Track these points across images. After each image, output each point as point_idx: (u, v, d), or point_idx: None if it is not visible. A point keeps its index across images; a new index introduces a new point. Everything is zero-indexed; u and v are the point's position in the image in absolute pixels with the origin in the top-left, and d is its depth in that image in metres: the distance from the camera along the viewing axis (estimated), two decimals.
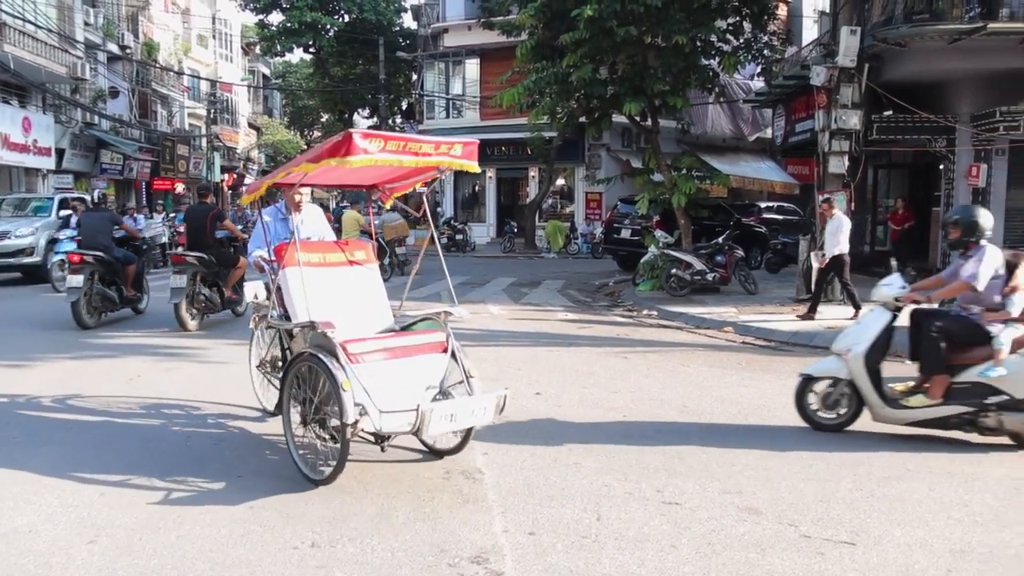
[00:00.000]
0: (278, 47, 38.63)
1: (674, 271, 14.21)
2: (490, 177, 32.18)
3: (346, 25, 37.73)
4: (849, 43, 13.02)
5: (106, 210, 11.92)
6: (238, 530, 4.13)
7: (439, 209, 32.69)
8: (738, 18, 16.28)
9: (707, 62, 16.28)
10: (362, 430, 4.64)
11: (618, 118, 17.68)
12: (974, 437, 5.93)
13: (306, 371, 4.86)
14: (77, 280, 10.14)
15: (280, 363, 5.94)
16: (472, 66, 32.02)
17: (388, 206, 6.45)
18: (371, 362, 4.78)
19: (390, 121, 40.83)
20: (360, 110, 45.00)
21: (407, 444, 5.37)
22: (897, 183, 19.25)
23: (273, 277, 5.49)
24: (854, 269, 16.44)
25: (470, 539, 4.07)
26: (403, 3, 39.80)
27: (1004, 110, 13.72)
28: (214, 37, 45.67)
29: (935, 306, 6.27)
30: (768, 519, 4.39)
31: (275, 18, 38.20)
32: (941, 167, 15.73)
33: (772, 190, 27.32)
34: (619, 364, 8.71)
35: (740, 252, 15.01)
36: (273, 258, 5.51)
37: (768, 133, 25.42)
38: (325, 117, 56.82)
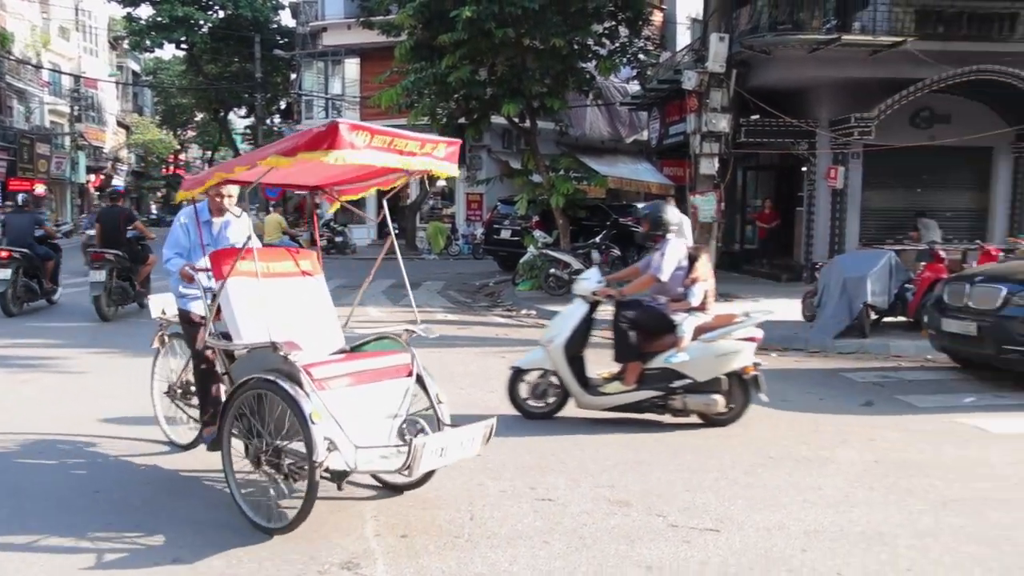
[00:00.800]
0: (148, 42, 36.92)
1: (552, 271, 14.39)
2: None
3: (221, 21, 36.41)
4: (718, 49, 13.52)
5: (29, 212, 12.95)
6: None
7: (318, 211, 32.06)
8: (614, 22, 16.66)
9: (584, 65, 16.57)
10: (327, 469, 3.96)
11: (498, 119, 17.78)
12: (827, 427, 6.26)
13: (255, 400, 4.21)
14: (5, 273, 11.42)
15: (194, 388, 5.32)
16: (352, 66, 31.55)
17: (332, 211, 6.11)
18: (337, 388, 4.22)
19: (268, 121, 39.80)
20: (236, 109, 43.65)
21: None
22: (765, 184, 20.13)
23: (207, 290, 4.81)
24: (724, 267, 17.18)
25: (341, 544, 4.00)
26: (281, 0, 38.84)
27: (858, 116, 14.52)
28: (78, 30, 43.35)
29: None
30: (638, 511, 4.49)
31: (145, 12, 36.52)
32: (804, 169, 16.53)
33: (649, 191, 27.99)
34: (497, 364, 8.74)
35: (617, 251, 15.37)
36: (208, 266, 4.80)
37: (644, 135, 26.10)
38: (200, 116, 54.88)
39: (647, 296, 6.38)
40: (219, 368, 4.86)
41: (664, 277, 6.21)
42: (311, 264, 5.12)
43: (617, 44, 16.83)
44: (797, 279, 15.77)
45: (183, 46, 37.96)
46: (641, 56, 17.67)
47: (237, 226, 5.36)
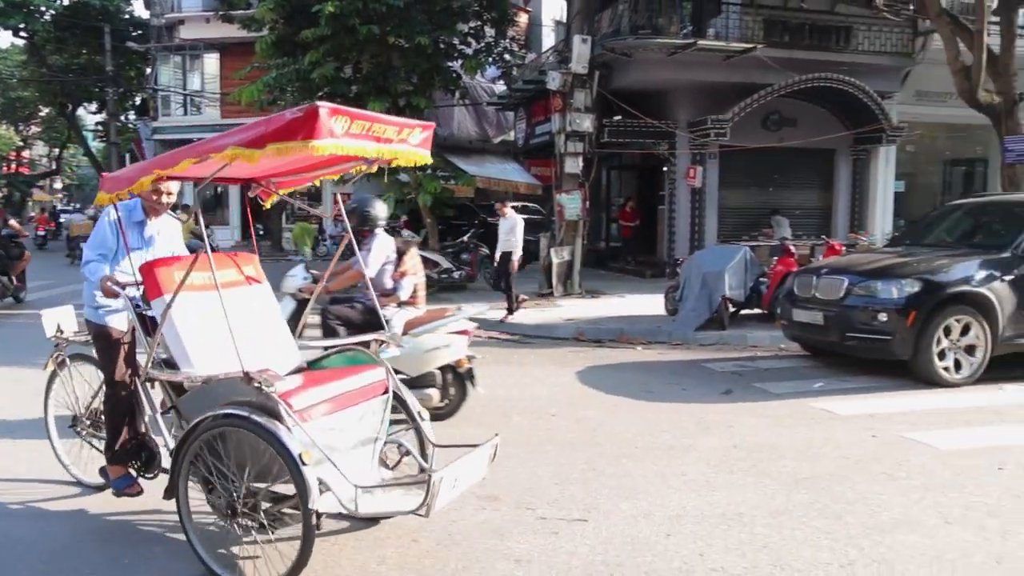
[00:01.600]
0: None
1: None
2: None
3: (65, 8, 34.12)
4: (581, 51, 13.81)
5: None
6: None
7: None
8: (479, 22, 16.75)
9: (450, 64, 16.57)
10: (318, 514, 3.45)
11: None
12: (689, 416, 6.49)
13: (218, 439, 3.59)
14: None
15: (103, 418, 4.54)
16: (211, 61, 30.39)
17: (268, 205, 4.85)
18: (318, 418, 3.68)
19: (122, 118, 37.71)
20: (86, 104, 41.08)
21: None
22: (628, 183, 20.73)
23: (134, 302, 4.13)
24: (590, 265, 17.57)
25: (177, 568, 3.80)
26: None
27: (714, 118, 15.18)
28: None
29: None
30: (507, 505, 4.51)
31: None
32: (665, 169, 17.11)
33: (517, 190, 28.24)
34: None
35: (486, 250, 15.44)
36: (140, 279, 4.01)
37: (511, 136, 26.35)
38: (45, 111, 51.38)
39: (359, 292, 6.27)
40: (153, 400, 4.15)
41: (370, 272, 6.02)
42: (255, 269, 4.48)
43: (483, 44, 16.94)
44: (661, 275, 16.31)
45: (22, 34, 35.33)
46: (507, 56, 17.85)
47: (171, 230, 4.67)
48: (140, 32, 35.94)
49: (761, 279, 10.52)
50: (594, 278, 16.13)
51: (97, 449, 4.71)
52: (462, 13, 15.62)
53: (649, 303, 12.33)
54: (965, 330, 7.62)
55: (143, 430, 4.39)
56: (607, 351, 9.61)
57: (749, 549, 3.96)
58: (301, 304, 6.23)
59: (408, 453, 4.17)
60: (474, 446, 3.87)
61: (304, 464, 3.33)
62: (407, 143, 3.81)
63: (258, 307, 4.37)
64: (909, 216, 17.38)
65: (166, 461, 3.98)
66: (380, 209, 6.39)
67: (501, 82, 22.64)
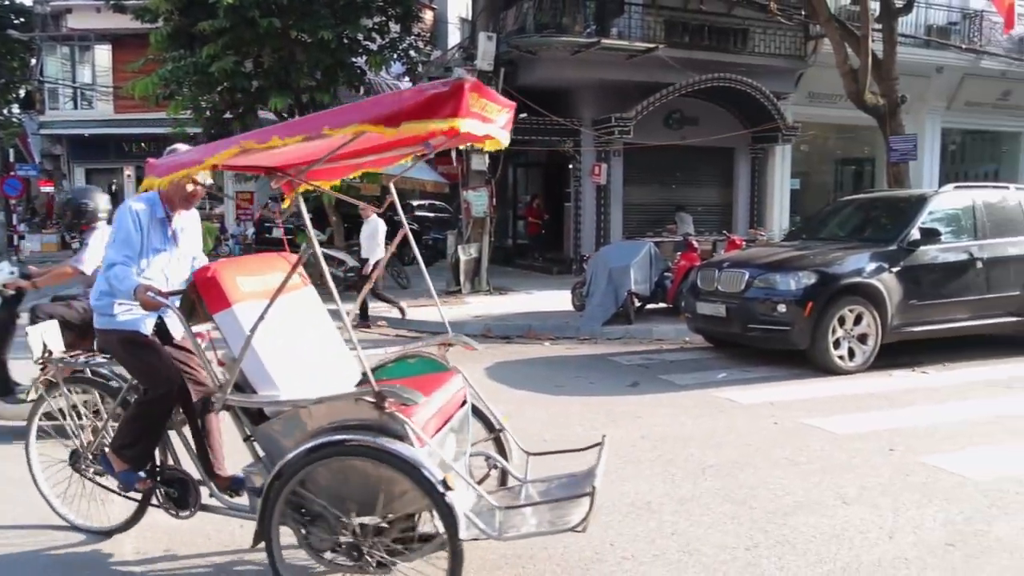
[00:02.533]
0: None
1: (328, 269, 14.04)
2: (128, 176, 29.41)
3: None
4: (486, 48, 13.83)
5: None
6: None
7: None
8: (384, 18, 16.53)
9: (355, 60, 16.31)
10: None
11: (269, 115, 17.11)
12: (598, 409, 6.55)
13: (333, 472, 3.16)
14: None
15: (121, 421, 3.87)
16: (103, 52, 29.02)
17: (288, 203, 3.99)
18: (430, 437, 3.24)
19: (5, 111, 35.74)
20: None
21: None
22: (535, 180, 20.89)
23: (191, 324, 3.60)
24: (498, 262, 17.62)
25: None
26: None
27: (618, 116, 15.45)
28: None
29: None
30: None
31: None
32: (571, 166, 17.30)
33: (424, 188, 28.08)
34: None
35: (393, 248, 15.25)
36: (179, 288, 3.63)
37: None
38: None
39: (81, 290, 5.81)
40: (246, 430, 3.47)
41: (86, 269, 5.49)
42: (300, 270, 3.75)
43: (387, 40, 16.72)
44: (568, 271, 16.47)
45: None
46: (412, 53, 17.69)
47: (194, 227, 4.07)
48: (23, 20, 34.08)
49: (666, 274, 10.76)
50: (502, 275, 16.18)
51: (104, 487, 4.05)
52: (366, 8, 15.39)
53: (556, 299, 12.44)
54: (858, 320, 7.96)
55: (170, 461, 3.88)
56: (515, 347, 9.64)
57: (658, 536, 4.03)
58: (7, 301, 5.83)
59: (496, 466, 3.87)
60: (575, 450, 3.80)
61: (449, 490, 2.99)
62: (495, 124, 3.32)
63: (311, 313, 3.91)
64: (804, 212, 18.06)
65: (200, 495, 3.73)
66: (100, 201, 5.78)
67: (407, 79, 22.46)
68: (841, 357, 7.91)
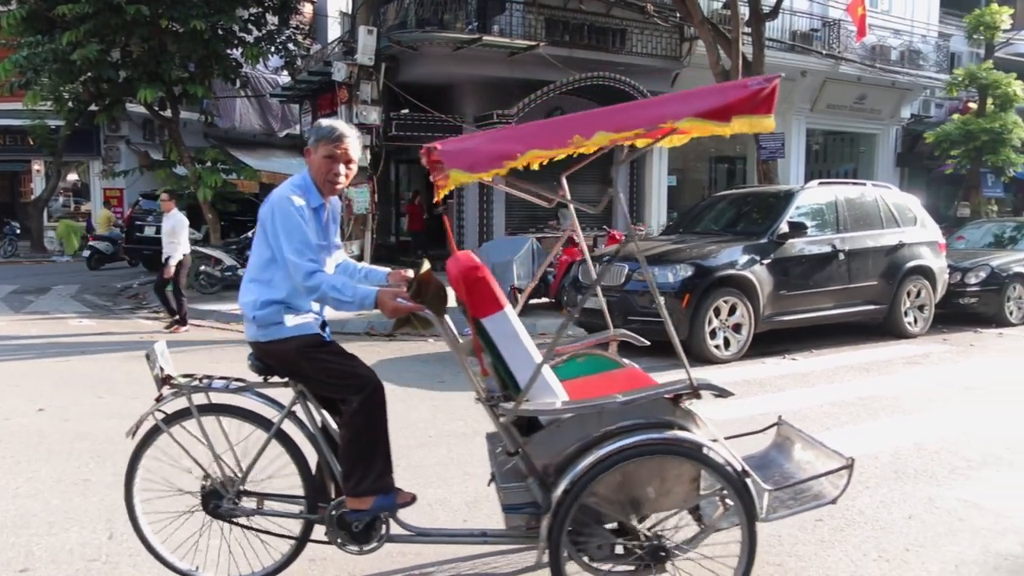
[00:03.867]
0: None
1: (203, 268, 13.54)
2: None
3: None
4: (367, 42, 13.63)
5: None
6: None
7: None
8: (260, 9, 16.06)
9: (230, 52, 15.77)
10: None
11: (138, 108, 16.34)
12: None
13: (621, 475, 2.97)
14: None
15: (344, 445, 3.23)
16: None
17: (441, 195, 3.24)
18: None
19: None
20: None
21: None
22: (418, 177, 20.70)
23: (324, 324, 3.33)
24: (381, 260, 17.40)
25: None
26: None
27: (500, 113, 15.51)
28: None
29: None
30: None
31: None
32: None
33: None
34: (140, 369, 7.96)
35: None
36: (431, 287, 3.08)
37: (298, 129, 25.58)
38: None
39: None
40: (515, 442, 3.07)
41: None
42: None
43: (264, 32, 16.25)
44: None
45: None
46: (290, 46, 17.24)
47: (337, 216, 3.56)
48: None
49: (548, 269, 10.87)
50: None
51: (255, 529, 3.37)
52: None
53: None
54: (732, 310, 8.26)
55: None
56: (399, 344, 9.54)
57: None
58: None
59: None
60: (754, 433, 3.73)
61: (748, 477, 2.98)
62: None
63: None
64: (681, 208, 18.62)
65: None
66: None
67: (285, 73, 21.90)
68: (717, 346, 8.19)
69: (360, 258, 13.91)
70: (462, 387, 7.14)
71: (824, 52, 20.08)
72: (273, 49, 16.55)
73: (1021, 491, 4.56)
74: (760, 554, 3.18)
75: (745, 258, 8.40)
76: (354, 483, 3.15)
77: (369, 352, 8.84)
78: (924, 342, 9.42)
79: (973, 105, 20.03)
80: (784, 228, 8.63)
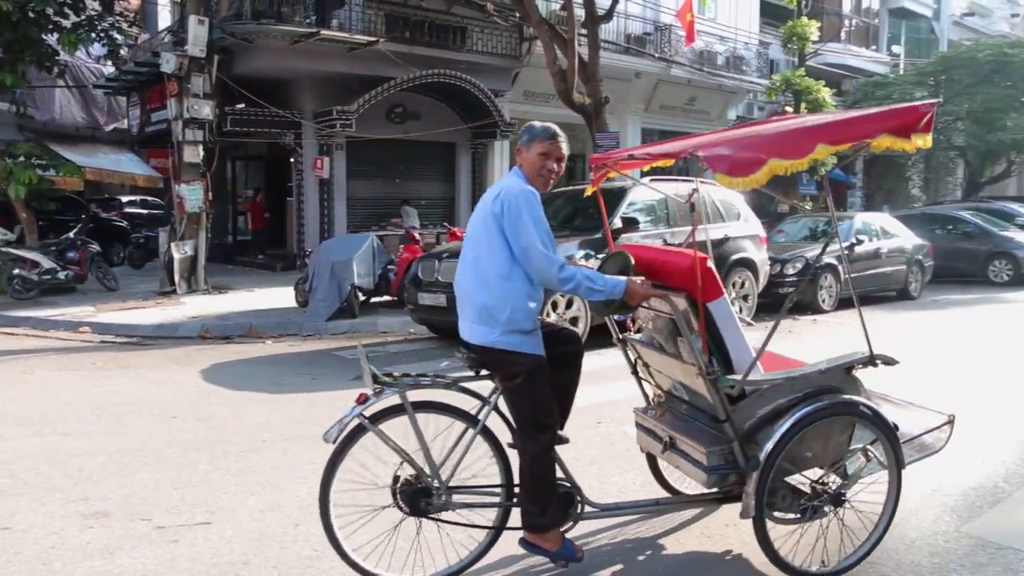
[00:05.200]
0: None
1: (17, 271, 12.52)
2: None
3: None
4: (198, 33, 13.01)
5: None
6: None
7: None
8: None
9: (45, 37, 14.64)
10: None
11: None
12: (321, 404, 6.44)
13: (817, 433, 3.46)
14: None
15: (526, 482, 3.30)
16: None
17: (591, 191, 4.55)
18: None
19: None
20: None
21: None
22: (256, 174, 20.05)
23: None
24: (218, 260, 16.75)
25: None
26: None
27: (339, 109, 15.24)
28: None
29: None
30: (118, 519, 4.10)
31: None
32: (292, 160, 16.81)
33: (135, 183, 26.05)
34: None
35: (96, 247, 13.95)
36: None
37: (125, 123, 24.15)
38: None
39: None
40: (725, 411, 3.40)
41: None
42: None
43: (84, 17, 15.19)
44: (292, 267, 16.03)
45: None
46: (115, 34, 16.19)
47: None
48: None
49: (389, 267, 10.79)
50: (222, 273, 15.42)
51: (460, 524, 3.40)
52: None
53: (280, 296, 12.07)
54: (569, 304, 8.49)
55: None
56: (235, 347, 9.20)
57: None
58: None
59: None
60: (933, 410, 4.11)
61: (899, 430, 3.51)
62: None
63: None
64: None
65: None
66: None
67: (109, 63, 20.59)
68: None
69: (195, 259, 13.32)
70: (301, 389, 7.02)
71: (656, 55, 20.95)
72: (95, 36, 15.50)
73: None
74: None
75: (581, 253, 8.65)
76: (533, 518, 3.30)
77: (201, 356, 8.50)
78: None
79: (790, 109, 21.41)
80: (617, 223, 8.93)
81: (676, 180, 11.05)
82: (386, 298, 11.00)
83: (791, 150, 3.18)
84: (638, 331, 4.17)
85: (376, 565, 3.36)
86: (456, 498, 3.37)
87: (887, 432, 3.47)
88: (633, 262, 3.51)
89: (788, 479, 3.52)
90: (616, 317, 4.04)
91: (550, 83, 14.24)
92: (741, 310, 10.35)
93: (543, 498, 3.27)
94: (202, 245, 13.48)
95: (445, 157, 18.77)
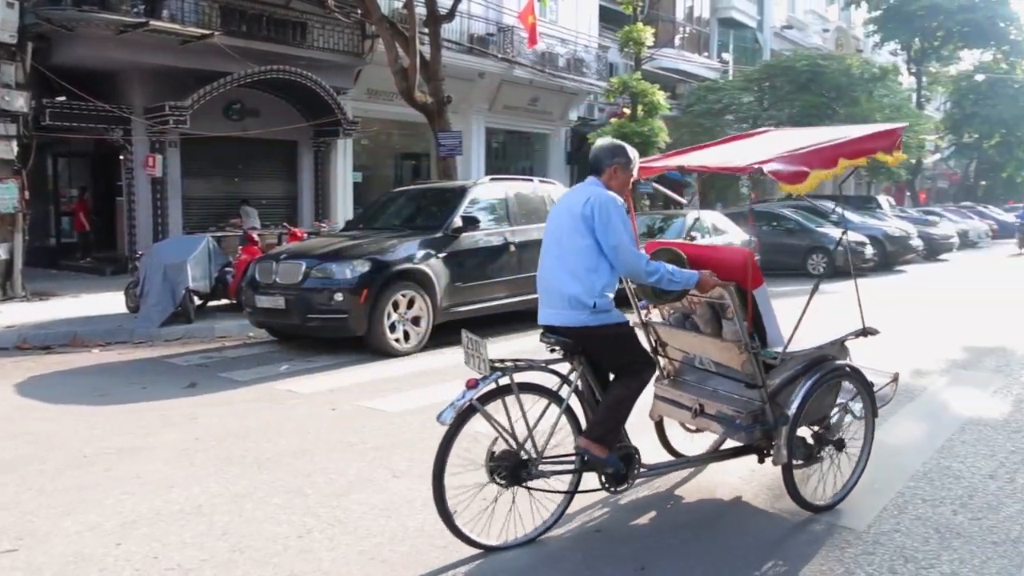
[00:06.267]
0: None
1: None
2: None
3: None
4: (7, 16, 12.07)
5: None
6: None
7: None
8: None
9: None
10: None
11: None
12: (150, 414, 6.14)
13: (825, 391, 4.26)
14: None
15: (608, 407, 3.90)
16: None
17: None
18: None
19: None
20: None
21: None
22: (81, 172, 18.79)
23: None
24: (40, 264, 15.62)
25: None
26: None
27: (172, 104, 14.51)
28: None
29: None
30: None
31: None
32: (122, 157, 15.88)
33: None
34: None
35: None
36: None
37: None
38: None
39: None
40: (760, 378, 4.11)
41: None
42: None
43: None
44: (123, 271, 15.10)
45: None
46: None
47: None
48: None
49: (227, 269, 10.39)
50: (44, 278, 14.37)
51: (549, 491, 3.89)
52: None
53: (110, 302, 11.38)
54: (411, 304, 8.48)
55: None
56: (57, 357, 8.60)
57: (208, 540, 3.87)
58: None
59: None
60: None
61: (875, 388, 4.43)
62: None
63: None
64: (368, 204, 18.73)
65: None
66: None
67: None
68: (397, 340, 8.37)
69: (11, 263, 12.36)
70: (129, 399, 6.68)
71: (499, 56, 21.19)
72: None
73: None
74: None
75: (422, 252, 8.65)
76: (602, 431, 3.83)
77: (16, 368, 7.92)
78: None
79: (627, 110, 22.23)
80: (458, 222, 9.00)
81: (517, 179, 11.31)
82: (224, 301, 10.59)
83: (825, 163, 3.95)
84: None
85: (480, 535, 3.81)
86: (543, 467, 3.81)
87: (868, 389, 4.36)
88: (686, 257, 4.12)
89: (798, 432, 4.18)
90: (640, 304, 4.60)
91: (393, 81, 14.13)
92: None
93: (619, 418, 3.87)
94: (18, 248, 12.52)
95: (287, 155, 18.29)
